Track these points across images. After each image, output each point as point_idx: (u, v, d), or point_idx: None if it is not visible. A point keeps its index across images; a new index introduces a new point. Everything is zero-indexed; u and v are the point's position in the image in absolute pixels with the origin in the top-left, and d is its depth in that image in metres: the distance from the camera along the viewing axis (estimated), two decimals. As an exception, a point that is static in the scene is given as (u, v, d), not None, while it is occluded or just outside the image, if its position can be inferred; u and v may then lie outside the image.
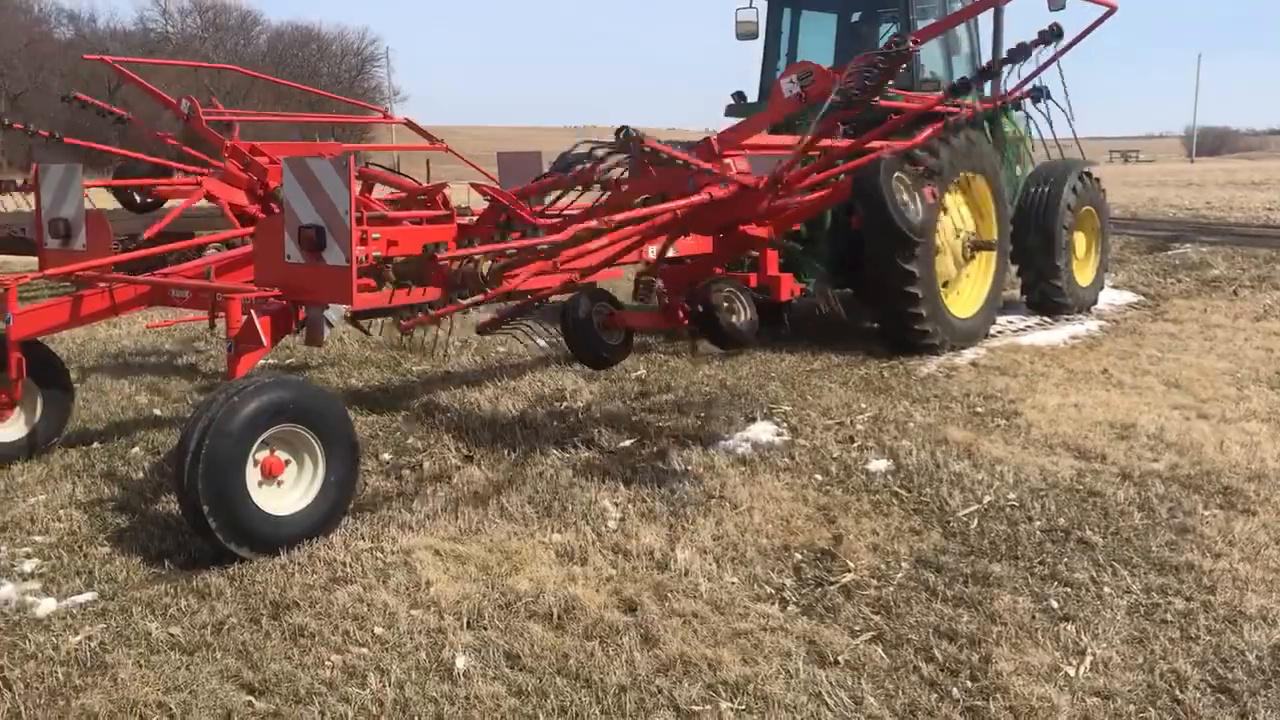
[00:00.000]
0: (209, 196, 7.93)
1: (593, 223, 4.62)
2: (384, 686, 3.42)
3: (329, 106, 40.14)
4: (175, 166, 8.81)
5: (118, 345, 8.97)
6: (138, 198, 8.78)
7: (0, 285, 5.36)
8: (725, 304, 5.74)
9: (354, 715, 3.28)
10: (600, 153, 5.53)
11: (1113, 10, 5.71)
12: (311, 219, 4.59)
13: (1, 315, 5.34)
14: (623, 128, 5.19)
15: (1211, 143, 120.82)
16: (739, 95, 9.74)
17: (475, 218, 5.96)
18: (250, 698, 3.38)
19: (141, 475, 5.49)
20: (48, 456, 5.68)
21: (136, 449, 5.91)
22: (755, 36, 9.99)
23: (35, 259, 6.02)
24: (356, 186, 6.98)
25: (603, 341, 6.44)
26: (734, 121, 7.58)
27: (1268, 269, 13.53)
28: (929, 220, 5.39)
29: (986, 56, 9.52)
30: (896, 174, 5.19)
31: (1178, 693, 3.41)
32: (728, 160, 5.49)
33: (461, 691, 3.40)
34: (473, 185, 6.43)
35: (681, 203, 5.20)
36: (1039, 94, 6.69)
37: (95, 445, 5.96)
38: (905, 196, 5.20)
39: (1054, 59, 5.60)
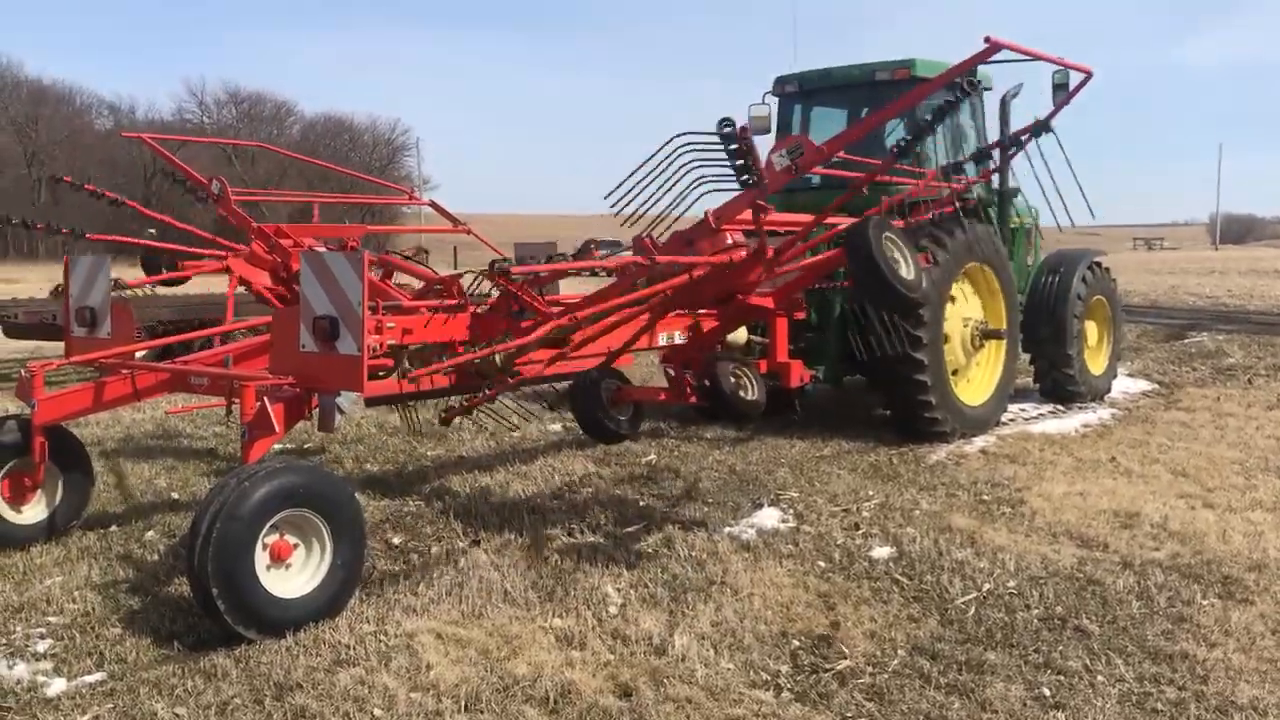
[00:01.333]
0: (231, 273, 8.21)
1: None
2: (379, 768, 3.48)
3: (359, 190, 41.17)
4: (198, 253, 9.12)
5: (140, 429, 9.16)
6: (164, 271, 9.09)
7: (27, 371, 5.55)
8: (732, 378, 5.87)
9: (349, 796, 3.35)
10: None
11: (1089, 76, 5.88)
12: (326, 310, 4.77)
13: (27, 401, 5.52)
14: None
15: (1238, 230, 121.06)
16: None
17: (489, 306, 6.14)
18: (249, 778, 3.45)
19: (156, 558, 5.61)
20: (66, 539, 5.81)
21: (152, 532, 6.04)
22: (768, 131, 10.23)
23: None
24: (376, 274, 7.22)
25: (612, 416, 6.57)
26: None
27: (1284, 357, 13.55)
28: (923, 280, 5.44)
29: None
30: (886, 233, 5.29)
31: (1165, 783, 3.43)
32: (724, 233, 5.70)
33: (455, 774, 3.46)
34: (486, 275, 6.60)
35: (669, 284, 5.41)
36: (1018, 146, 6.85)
37: (113, 528, 6.10)
38: (896, 254, 5.28)
39: (1037, 132, 5.87)
